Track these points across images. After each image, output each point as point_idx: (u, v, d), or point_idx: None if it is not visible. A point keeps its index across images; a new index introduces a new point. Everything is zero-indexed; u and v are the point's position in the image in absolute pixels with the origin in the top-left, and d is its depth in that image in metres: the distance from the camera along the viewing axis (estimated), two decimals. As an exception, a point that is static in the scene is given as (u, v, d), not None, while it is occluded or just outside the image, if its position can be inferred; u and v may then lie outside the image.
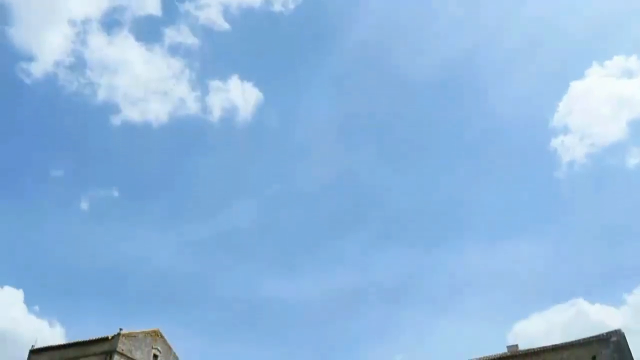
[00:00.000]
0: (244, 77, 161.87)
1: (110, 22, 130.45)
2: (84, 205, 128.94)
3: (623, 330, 41.51)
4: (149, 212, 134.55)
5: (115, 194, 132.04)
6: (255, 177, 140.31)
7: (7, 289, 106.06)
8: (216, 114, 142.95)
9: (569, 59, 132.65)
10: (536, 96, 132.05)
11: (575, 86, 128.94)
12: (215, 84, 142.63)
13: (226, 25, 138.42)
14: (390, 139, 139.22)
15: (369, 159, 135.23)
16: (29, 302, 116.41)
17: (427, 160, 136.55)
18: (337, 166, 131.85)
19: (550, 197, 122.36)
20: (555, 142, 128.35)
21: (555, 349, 42.09)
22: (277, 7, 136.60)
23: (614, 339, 40.22)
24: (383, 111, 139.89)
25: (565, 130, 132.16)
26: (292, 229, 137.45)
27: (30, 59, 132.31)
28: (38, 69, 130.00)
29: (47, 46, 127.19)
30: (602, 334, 41.36)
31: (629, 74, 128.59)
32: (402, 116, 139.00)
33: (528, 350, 43.95)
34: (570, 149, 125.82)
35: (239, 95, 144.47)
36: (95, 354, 37.27)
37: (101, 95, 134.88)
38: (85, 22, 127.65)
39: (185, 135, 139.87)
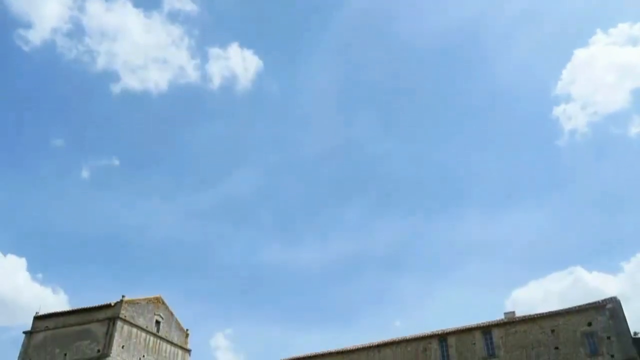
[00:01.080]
0: (244, 45, 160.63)
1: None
2: (85, 174, 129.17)
3: (619, 297, 42.07)
4: (149, 181, 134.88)
5: (116, 162, 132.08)
6: (255, 146, 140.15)
7: (10, 257, 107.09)
8: (216, 82, 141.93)
9: (573, 26, 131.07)
10: (539, 64, 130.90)
11: (579, 54, 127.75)
12: (215, 51, 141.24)
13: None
14: (391, 106, 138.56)
15: (370, 126, 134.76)
16: (32, 269, 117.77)
17: (427, 128, 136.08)
18: (338, 134, 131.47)
19: (550, 165, 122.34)
20: (558, 111, 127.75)
21: (551, 315, 42.72)
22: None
23: (609, 306, 40.76)
24: (384, 79, 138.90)
25: (568, 98, 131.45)
26: (293, 196, 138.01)
27: (27, 26, 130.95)
28: (36, 36, 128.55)
29: (45, 13, 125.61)
30: (598, 301, 41.93)
31: (633, 41, 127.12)
32: (403, 84, 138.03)
33: (525, 316, 44.61)
34: (572, 117, 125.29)
35: (239, 63, 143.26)
36: (98, 320, 37.85)
37: (100, 63, 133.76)
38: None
39: (185, 103, 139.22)
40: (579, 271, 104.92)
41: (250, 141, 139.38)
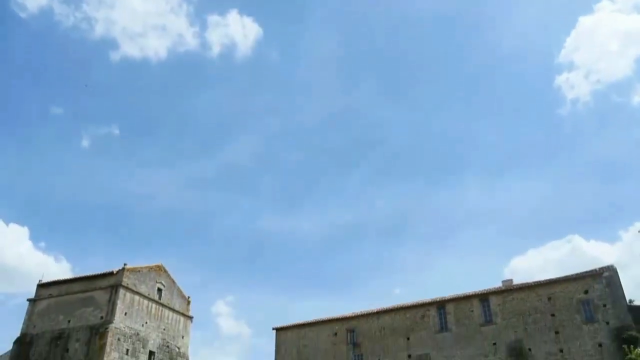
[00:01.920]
0: (243, 12, 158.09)
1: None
2: (85, 143, 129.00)
3: (616, 266, 42.51)
4: (149, 149, 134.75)
5: (116, 131, 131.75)
6: (255, 113, 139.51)
7: (13, 226, 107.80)
8: (215, 49, 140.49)
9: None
10: (543, 31, 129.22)
11: (584, 21, 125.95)
12: (214, 18, 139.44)
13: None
14: (391, 73, 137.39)
15: (370, 94, 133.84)
16: (34, 238, 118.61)
17: (428, 96, 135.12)
18: (338, 101, 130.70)
19: (551, 134, 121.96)
20: (560, 79, 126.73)
21: (548, 283, 43.24)
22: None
23: (606, 274, 41.22)
24: (385, 46, 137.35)
25: (571, 66, 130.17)
26: (293, 165, 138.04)
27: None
28: (33, 3, 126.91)
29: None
30: (595, 269, 42.38)
31: (639, 9, 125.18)
32: (404, 51, 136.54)
33: (522, 284, 45.14)
34: (575, 86, 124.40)
35: (239, 31, 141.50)
36: (101, 288, 38.32)
37: (99, 30, 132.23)
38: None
39: (185, 71, 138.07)
40: (577, 240, 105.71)
41: (250, 109, 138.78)
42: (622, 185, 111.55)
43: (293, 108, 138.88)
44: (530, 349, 41.29)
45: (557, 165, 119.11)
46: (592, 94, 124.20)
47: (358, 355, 48.16)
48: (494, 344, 42.76)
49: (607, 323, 39.60)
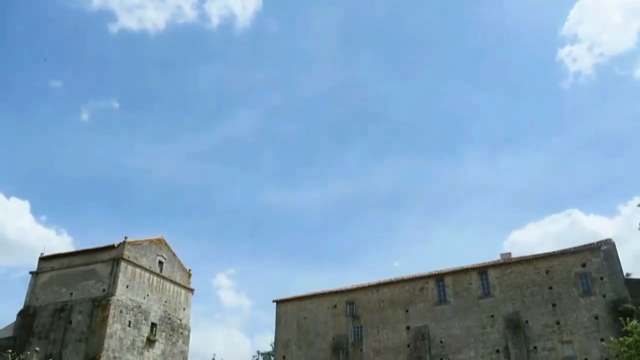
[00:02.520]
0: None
1: None
2: (84, 117, 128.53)
3: (615, 239, 42.77)
4: (149, 123, 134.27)
5: (115, 105, 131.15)
6: (255, 86, 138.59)
7: (14, 200, 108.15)
8: (214, 21, 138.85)
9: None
10: (547, 4, 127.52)
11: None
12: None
13: None
14: (392, 46, 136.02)
15: (371, 67, 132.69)
16: (35, 212, 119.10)
17: (429, 69, 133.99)
18: (338, 75, 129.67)
19: (553, 107, 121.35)
20: (563, 52, 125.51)
21: (546, 256, 43.54)
22: None
23: (604, 247, 41.48)
24: (386, 18, 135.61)
25: (574, 39, 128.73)
26: (293, 138, 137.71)
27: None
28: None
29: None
30: (593, 243, 42.64)
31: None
32: (405, 24, 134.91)
33: (521, 257, 45.48)
34: (578, 59, 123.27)
35: (238, 2, 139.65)
36: (102, 261, 38.60)
37: (96, 2, 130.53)
38: None
39: (184, 43, 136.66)
40: (576, 214, 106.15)
41: (250, 82, 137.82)
42: (623, 159, 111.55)
43: (293, 81, 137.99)
44: (527, 321, 41.80)
45: (558, 138, 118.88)
46: (594, 67, 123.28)
47: (357, 327, 48.78)
48: (492, 316, 43.28)
49: (604, 296, 40.00)
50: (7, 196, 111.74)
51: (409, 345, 45.69)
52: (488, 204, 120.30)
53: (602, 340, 38.07)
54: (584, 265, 41.69)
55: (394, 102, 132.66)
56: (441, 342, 44.53)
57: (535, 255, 44.74)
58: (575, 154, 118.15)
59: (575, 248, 43.17)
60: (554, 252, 43.91)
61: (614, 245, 41.67)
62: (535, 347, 40.83)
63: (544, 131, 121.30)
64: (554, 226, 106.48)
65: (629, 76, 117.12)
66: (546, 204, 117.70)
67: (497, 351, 42.00)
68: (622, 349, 29.19)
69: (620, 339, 30.03)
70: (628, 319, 30.13)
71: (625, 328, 29.20)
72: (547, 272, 42.74)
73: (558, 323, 40.80)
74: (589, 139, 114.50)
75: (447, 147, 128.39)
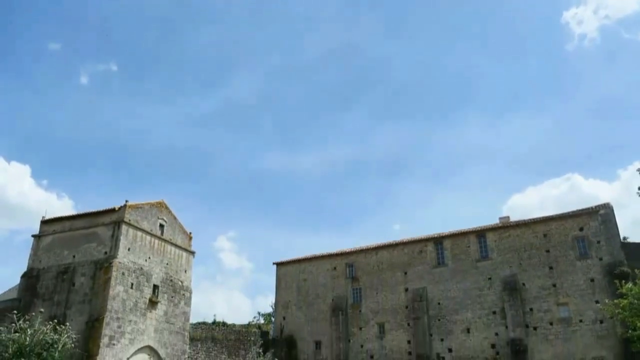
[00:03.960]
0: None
1: None
2: (84, 80, 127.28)
3: (613, 204, 43.09)
4: (149, 86, 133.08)
5: (114, 68, 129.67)
6: (255, 49, 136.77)
7: (15, 164, 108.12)
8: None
9: None
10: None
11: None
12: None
13: None
14: (394, 9, 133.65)
15: (372, 29, 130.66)
16: (36, 176, 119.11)
17: (432, 30, 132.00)
18: (339, 37, 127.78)
19: (556, 71, 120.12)
20: (568, 15, 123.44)
21: (544, 220, 43.91)
22: None
23: (602, 211, 41.78)
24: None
25: (579, 1, 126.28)
26: (293, 101, 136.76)
27: None
28: None
29: None
30: (591, 207, 42.93)
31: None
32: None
33: (519, 221, 45.84)
34: (583, 21, 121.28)
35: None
36: (104, 224, 38.76)
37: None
38: None
39: (183, 5, 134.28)
40: (576, 178, 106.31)
41: (250, 44, 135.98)
42: (625, 123, 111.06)
43: (293, 43, 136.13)
44: (524, 284, 42.45)
45: (560, 102, 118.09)
46: (599, 30, 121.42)
47: (356, 289, 49.58)
48: (489, 278, 43.93)
49: (600, 259, 40.50)
50: (8, 160, 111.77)
51: (407, 307, 46.55)
52: (488, 168, 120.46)
53: (597, 302, 38.73)
54: (581, 229, 42.06)
55: (395, 66, 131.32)
56: (439, 303, 45.33)
57: (534, 219, 45.09)
58: (578, 118, 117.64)
59: (573, 212, 43.46)
60: (552, 215, 44.25)
61: (612, 210, 41.96)
62: (531, 309, 41.58)
63: (547, 95, 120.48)
64: (554, 190, 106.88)
65: (634, 40, 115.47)
66: (546, 168, 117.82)
67: (494, 312, 42.80)
68: (617, 311, 29.67)
69: (615, 301, 30.49)
70: (623, 281, 30.50)
71: (620, 290, 29.60)
72: (545, 235, 43.16)
73: (554, 285, 41.45)
74: (593, 102, 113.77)
75: (449, 111, 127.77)
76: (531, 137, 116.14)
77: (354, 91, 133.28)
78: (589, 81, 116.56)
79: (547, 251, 42.56)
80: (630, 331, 29.37)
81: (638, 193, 27.61)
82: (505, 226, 45.43)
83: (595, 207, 42.75)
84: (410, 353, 44.87)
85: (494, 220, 48.08)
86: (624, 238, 42.47)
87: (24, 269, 39.86)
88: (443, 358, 43.17)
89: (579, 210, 43.43)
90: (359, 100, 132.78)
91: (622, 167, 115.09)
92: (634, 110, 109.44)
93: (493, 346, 41.91)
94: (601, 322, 38.74)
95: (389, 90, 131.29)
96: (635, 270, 30.93)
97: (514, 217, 48.22)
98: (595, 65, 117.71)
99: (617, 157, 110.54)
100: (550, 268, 42.03)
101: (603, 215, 41.65)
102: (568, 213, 43.56)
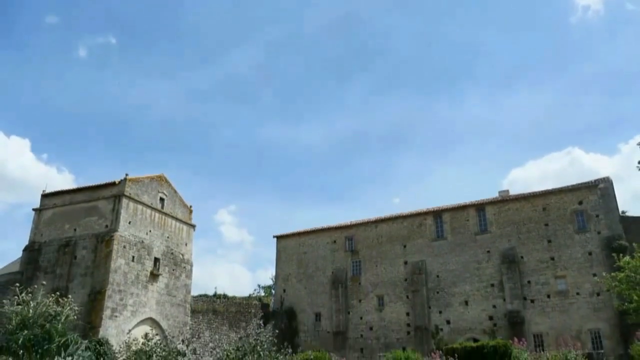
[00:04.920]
0: None
1: None
2: (82, 53, 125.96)
3: (613, 178, 43.19)
4: (148, 60, 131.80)
5: (113, 41, 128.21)
6: (256, 21, 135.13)
7: (14, 139, 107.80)
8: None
9: None
10: None
11: None
12: None
13: None
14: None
15: (373, 0, 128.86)
16: (36, 150, 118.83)
17: (433, 3, 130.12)
18: (340, 8, 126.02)
19: (559, 43, 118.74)
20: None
21: (543, 194, 44.01)
22: None
23: (601, 185, 41.85)
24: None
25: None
26: (293, 75, 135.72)
27: None
28: None
29: None
30: (591, 181, 43.00)
31: None
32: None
33: (518, 195, 45.97)
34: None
35: None
36: (104, 198, 38.92)
37: None
38: None
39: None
40: (577, 152, 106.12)
41: (251, 16, 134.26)
42: (626, 97, 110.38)
43: (293, 15, 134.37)
44: (522, 257, 42.78)
45: (562, 75, 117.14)
46: (604, 2, 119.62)
47: (356, 262, 49.98)
48: (488, 251, 44.25)
49: (599, 233, 40.73)
50: (7, 134, 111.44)
51: (406, 279, 46.98)
52: (489, 142, 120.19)
53: (594, 275, 39.08)
54: (580, 202, 42.19)
55: (396, 38, 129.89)
56: (438, 276, 45.74)
57: (533, 192, 45.21)
58: (580, 91, 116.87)
59: (572, 186, 43.54)
60: (551, 189, 44.34)
61: (611, 184, 42.03)
62: (529, 282, 41.99)
63: (550, 67, 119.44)
64: (554, 164, 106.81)
65: (639, 11, 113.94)
66: (547, 142, 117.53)
67: (492, 285, 43.22)
68: (614, 284, 29.97)
69: (612, 274, 30.77)
70: (621, 255, 30.73)
71: (617, 264, 29.85)
72: (544, 209, 43.32)
73: (552, 259, 41.77)
74: (595, 76, 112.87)
75: (450, 84, 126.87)
76: (532, 110, 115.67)
77: (354, 64, 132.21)
78: (592, 54, 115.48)
79: (546, 225, 42.77)
80: (626, 303, 29.75)
81: (638, 167, 27.55)
82: (505, 200, 45.56)
83: (595, 181, 42.81)
84: (409, 325, 45.45)
85: (493, 194, 48.26)
86: (623, 212, 42.67)
87: (26, 242, 40.19)
88: (441, 330, 43.75)
89: (579, 184, 43.52)
90: (359, 72, 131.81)
91: (623, 141, 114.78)
92: (636, 84, 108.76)
93: (490, 318, 42.43)
94: (598, 294, 39.15)
95: (390, 62, 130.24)
96: (633, 244, 31.16)
97: (514, 191, 48.43)
98: (598, 37, 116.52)
99: (618, 130, 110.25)
100: (549, 241, 42.30)
101: (602, 189, 41.74)
102: (567, 187, 43.65)
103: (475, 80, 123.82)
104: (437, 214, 47.82)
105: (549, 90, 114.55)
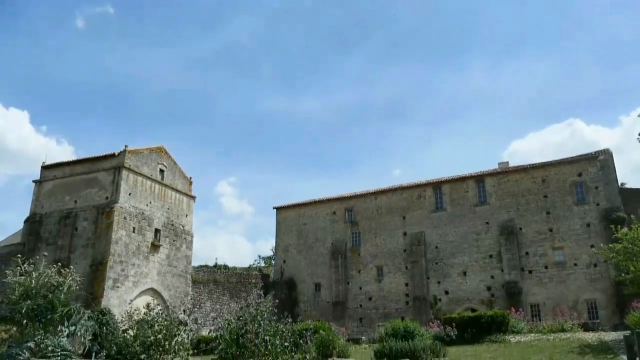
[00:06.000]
0: None
1: None
2: (80, 23, 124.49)
3: (614, 150, 43.14)
4: (146, 29, 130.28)
5: (111, 10, 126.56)
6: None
7: (13, 111, 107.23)
8: None
9: None
10: None
11: None
12: None
13: None
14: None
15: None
16: (35, 122, 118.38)
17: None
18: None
19: (562, 13, 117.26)
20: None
21: (543, 166, 44.02)
22: None
23: (601, 157, 41.83)
24: None
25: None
26: (293, 45, 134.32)
27: None
28: None
29: None
30: (591, 153, 42.97)
31: None
32: None
33: (518, 167, 45.99)
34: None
35: None
36: (104, 170, 38.92)
37: None
38: None
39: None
40: (578, 124, 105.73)
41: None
42: (629, 69, 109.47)
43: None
44: (521, 229, 43.01)
45: (564, 46, 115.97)
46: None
47: (356, 233, 50.25)
48: (487, 223, 44.46)
49: (598, 205, 40.87)
50: (6, 106, 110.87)
51: (405, 251, 47.32)
52: (490, 114, 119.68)
53: (592, 247, 39.38)
54: (580, 174, 42.23)
55: (398, 7, 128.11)
56: (437, 247, 46.06)
57: (533, 164, 45.20)
58: (582, 62, 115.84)
59: (572, 158, 43.52)
60: (551, 161, 44.32)
61: (612, 156, 41.99)
62: (527, 253, 42.30)
63: (551, 39, 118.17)
64: (555, 136, 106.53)
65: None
66: (548, 114, 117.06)
67: (491, 256, 43.56)
68: (611, 255, 30.12)
69: (610, 245, 30.93)
70: (619, 227, 30.80)
71: (615, 235, 29.96)
72: (543, 181, 43.38)
73: (551, 230, 42.00)
74: (598, 47, 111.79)
75: (453, 54, 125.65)
76: (534, 82, 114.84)
77: (355, 34, 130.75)
78: (597, 24, 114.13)
79: (545, 197, 42.89)
80: (623, 274, 29.96)
81: (639, 139, 27.49)
82: (504, 172, 45.59)
83: (595, 153, 42.76)
84: (407, 295, 45.95)
85: (493, 166, 48.25)
86: (622, 184, 42.72)
87: (27, 214, 40.35)
88: (440, 300, 44.25)
89: (578, 156, 43.48)
90: (360, 42, 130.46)
91: (624, 113, 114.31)
92: (639, 55, 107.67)
93: (489, 289, 42.88)
94: (595, 266, 39.49)
95: (392, 32, 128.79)
96: (632, 216, 31.23)
97: (514, 163, 48.45)
98: (604, 7, 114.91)
99: (620, 102, 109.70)
100: (548, 213, 42.47)
101: (602, 161, 41.73)
102: (567, 159, 43.64)
103: (477, 50, 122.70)
104: (436, 186, 47.91)
105: (551, 61, 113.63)
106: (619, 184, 41.66)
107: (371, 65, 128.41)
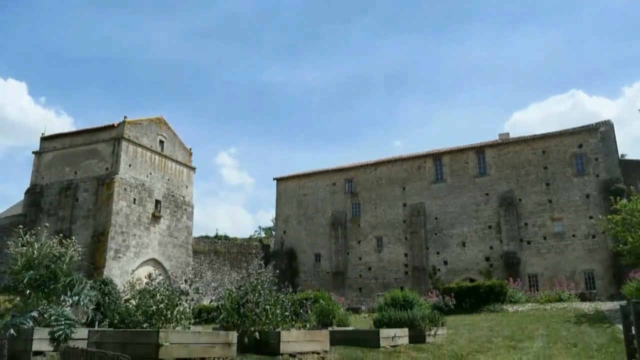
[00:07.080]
0: None
1: None
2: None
3: (615, 122, 42.99)
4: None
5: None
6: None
7: (11, 82, 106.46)
8: None
9: None
10: None
11: None
12: None
13: None
14: None
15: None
16: (33, 93, 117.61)
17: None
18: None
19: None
20: None
21: (544, 137, 43.93)
22: None
23: (602, 129, 41.72)
24: None
25: None
26: (294, 15, 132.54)
27: None
28: None
29: None
30: (591, 124, 42.84)
31: None
32: None
33: (518, 138, 45.88)
34: None
35: None
36: (104, 141, 38.85)
37: None
38: None
39: None
40: (580, 95, 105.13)
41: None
42: (633, 40, 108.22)
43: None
44: (520, 199, 43.16)
45: (568, 17, 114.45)
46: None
47: (355, 204, 50.43)
48: (487, 194, 44.59)
49: (597, 176, 40.92)
50: (4, 77, 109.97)
51: (405, 221, 47.56)
52: (492, 85, 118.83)
53: (590, 218, 39.56)
54: (580, 146, 42.18)
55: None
56: (436, 218, 46.29)
57: (533, 135, 45.10)
58: (586, 34, 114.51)
59: (573, 129, 43.40)
60: (551, 132, 44.22)
61: (612, 127, 41.86)
62: (526, 224, 42.54)
63: (555, 8, 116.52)
64: (557, 107, 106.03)
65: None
66: (550, 85, 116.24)
67: (490, 227, 43.81)
68: (610, 226, 30.26)
69: (609, 216, 31.06)
70: (618, 198, 30.88)
71: (614, 207, 30.06)
72: (543, 152, 43.35)
73: (550, 201, 42.14)
74: (602, 17, 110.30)
75: (455, 25, 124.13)
76: (536, 53, 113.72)
77: (356, 4, 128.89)
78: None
79: (545, 168, 42.92)
80: (621, 245, 30.15)
81: None
82: (504, 143, 45.51)
83: (596, 124, 42.62)
84: (407, 265, 46.37)
85: (494, 138, 48.12)
86: (622, 155, 42.71)
87: (28, 185, 40.42)
88: (439, 270, 44.66)
89: (579, 127, 43.36)
90: (361, 14, 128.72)
91: (627, 85, 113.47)
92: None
93: (487, 259, 43.24)
94: (593, 236, 39.75)
95: (392, 2, 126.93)
96: (631, 187, 31.29)
97: (516, 134, 48.30)
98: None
99: (623, 74, 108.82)
100: (547, 184, 42.56)
101: (603, 132, 41.63)
102: (567, 130, 43.52)
103: (479, 21, 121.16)
104: (436, 157, 47.89)
105: (554, 31, 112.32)
106: (619, 155, 41.65)
107: (372, 36, 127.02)
